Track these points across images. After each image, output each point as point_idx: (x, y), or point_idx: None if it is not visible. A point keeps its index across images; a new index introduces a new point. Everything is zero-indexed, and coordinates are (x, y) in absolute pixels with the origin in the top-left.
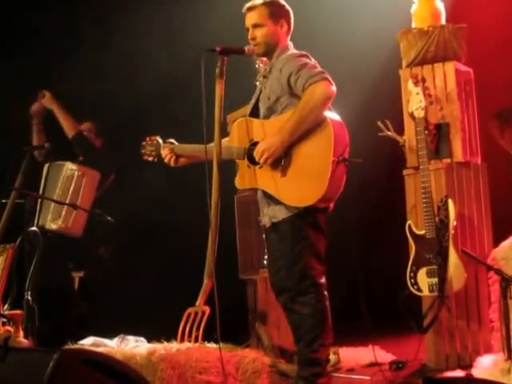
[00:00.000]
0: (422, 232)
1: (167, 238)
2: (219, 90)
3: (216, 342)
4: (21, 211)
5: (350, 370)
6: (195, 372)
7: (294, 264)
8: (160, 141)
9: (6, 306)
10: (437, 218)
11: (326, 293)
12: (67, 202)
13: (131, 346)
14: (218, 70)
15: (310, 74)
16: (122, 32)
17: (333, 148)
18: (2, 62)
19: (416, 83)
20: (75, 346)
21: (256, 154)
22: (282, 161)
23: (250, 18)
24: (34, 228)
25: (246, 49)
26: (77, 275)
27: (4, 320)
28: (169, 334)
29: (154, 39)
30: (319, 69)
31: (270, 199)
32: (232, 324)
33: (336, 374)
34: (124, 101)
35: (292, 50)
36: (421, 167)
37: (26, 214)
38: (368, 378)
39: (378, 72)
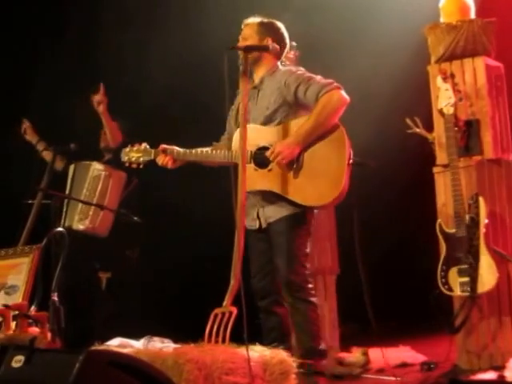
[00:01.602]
0: (453, 230)
1: (193, 239)
2: (244, 87)
3: (243, 342)
4: (47, 212)
5: (380, 371)
6: (222, 373)
7: (290, 259)
8: (148, 146)
9: (32, 307)
10: (467, 216)
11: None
12: (94, 202)
13: (157, 347)
14: (241, 68)
15: (322, 83)
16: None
17: (347, 151)
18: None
19: (445, 79)
20: (101, 347)
21: (270, 155)
22: (294, 163)
23: (242, 32)
24: (60, 229)
25: (271, 46)
26: (104, 276)
27: (30, 321)
28: (195, 335)
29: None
30: (330, 80)
31: (267, 201)
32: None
33: (365, 375)
34: (145, 100)
35: (284, 67)
36: (450, 165)
37: (52, 214)
38: (398, 378)
39: (405, 68)
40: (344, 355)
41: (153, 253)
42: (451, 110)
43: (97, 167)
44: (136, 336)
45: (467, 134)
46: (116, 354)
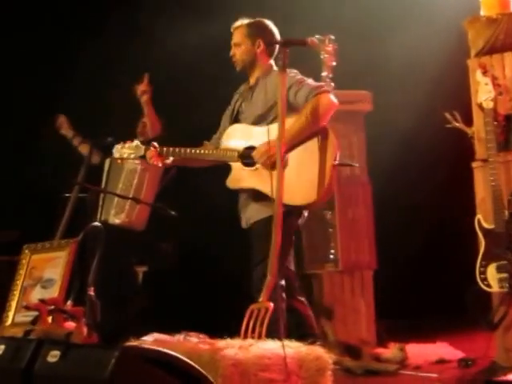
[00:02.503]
0: (492, 226)
1: (230, 232)
2: (283, 81)
3: (279, 338)
4: (84, 206)
5: (417, 368)
6: (258, 369)
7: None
8: (139, 143)
9: (68, 302)
10: (506, 212)
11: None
12: (130, 196)
13: (193, 343)
14: (280, 63)
15: (313, 86)
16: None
17: (334, 153)
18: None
19: (485, 73)
20: (137, 343)
21: (256, 154)
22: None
23: (233, 37)
24: (96, 223)
25: (309, 40)
26: (140, 270)
27: (66, 315)
28: (232, 331)
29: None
30: (321, 83)
31: (253, 200)
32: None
33: (403, 371)
34: (181, 89)
35: (275, 68)
36: (490, 159)
37: (88, 208)
38: (435, 375)
39: (445, 62)
40: (380, 351)
41: (190, 246)
42: (491, 105)
43: (133, 161)
44: (172, 331)
45: (507, 129)
46: (151, 350)
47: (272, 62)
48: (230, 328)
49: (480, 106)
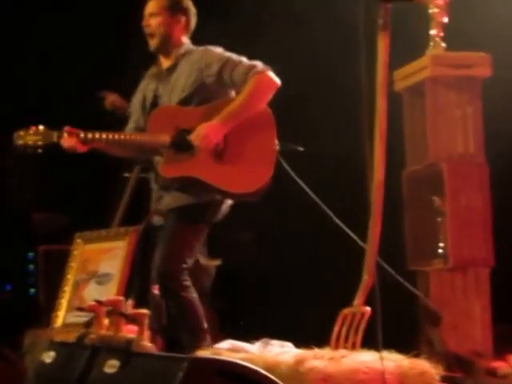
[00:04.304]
0: None
1: (319, 224)
2: (384, 44)
3: (377, 349)
4: (146, 188)
5: None
6: None
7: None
8: (47, 128)
9: (128, 301)
10: None
11: None
12: None
13: (275, 353)
14: (381, 22)
15: (250, 64)
16: None
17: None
18: None
19: None
20: (209, 352)
21: (196, 138)
22: (218, 147)
23: (149, 7)
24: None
25: None
26: (212, 263)
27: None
28: (320, 339)
29: None
30: (256, 61)
31: (179, 188)
32: (397, 327)
33: None
34: None
35: (199, 46)
36: None
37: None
38: None
39: None
40: (498, 364)
41: (271, 237)
42: None
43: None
44: (250, 337)
45: None
46: (225, 362)
47: (188, 40)
48: (318, 336)
49: None
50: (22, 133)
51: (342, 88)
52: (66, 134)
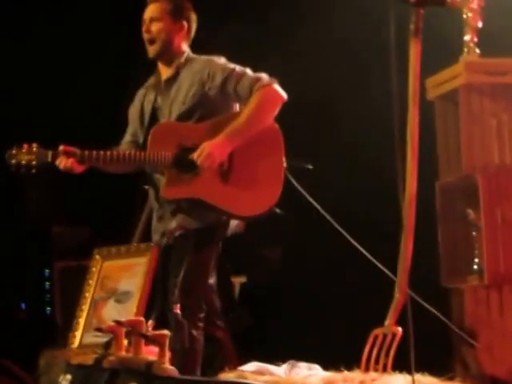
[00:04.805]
0: None
1: (347, 239)
2: (415, 51)
3: (409, 371)
4: None
5: None
6: None
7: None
8: (40, 147)
9: (149, 321)
10: None
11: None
12: None
13: (303, 376)
14: (412, 27)
15: (255, 76)
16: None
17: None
18: None
19: None
20: (233, 373)
21: (199, 157)
22: (224, 166)
23: (149, 11)
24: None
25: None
26: (237, 280)
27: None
28: (350, 361)
29: None
30: (262, 73)
31: (184, 210)
32: (431, 348)
33: None
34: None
35: (201, 56)
36: None
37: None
38: None
39: None
40: None
41: (299, 253)
42: None
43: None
44: (276, 359)
45: None
46: None
47: (188, 48)
48: (347, 357)
49: None
50: (14, 151)
51: (373, 98)
52: (61, 154)
